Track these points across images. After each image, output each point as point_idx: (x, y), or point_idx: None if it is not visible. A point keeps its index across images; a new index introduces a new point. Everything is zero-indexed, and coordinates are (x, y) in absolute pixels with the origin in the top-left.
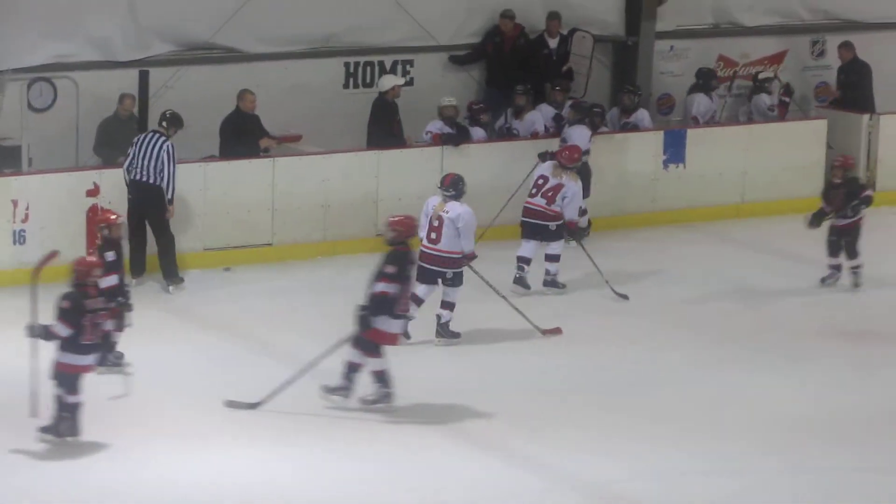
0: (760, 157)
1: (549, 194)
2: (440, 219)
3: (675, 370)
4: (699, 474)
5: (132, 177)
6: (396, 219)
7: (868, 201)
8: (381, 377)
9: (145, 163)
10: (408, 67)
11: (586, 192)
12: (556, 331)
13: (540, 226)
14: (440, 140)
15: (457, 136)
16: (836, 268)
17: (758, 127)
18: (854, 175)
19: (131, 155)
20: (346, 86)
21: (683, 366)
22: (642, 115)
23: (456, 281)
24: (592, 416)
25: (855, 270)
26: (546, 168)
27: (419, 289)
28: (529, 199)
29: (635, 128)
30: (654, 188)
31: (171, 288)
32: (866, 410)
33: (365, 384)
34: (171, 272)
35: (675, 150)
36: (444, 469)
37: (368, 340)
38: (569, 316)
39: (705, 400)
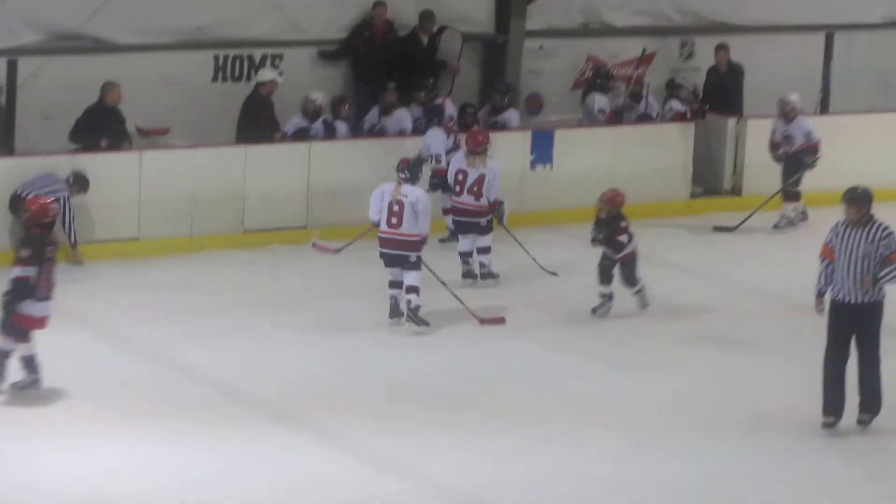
0: (627, 158)
1: (475, 189)
2: (399, 203)
3: (548, 369)
4: (566, 476)
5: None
6: None
7: (630, 236)
8: (29, 362)
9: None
10: (277, 62)
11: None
12: (499, 320)
13: (472, 223)
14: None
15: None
16: (608, 297)
17: (625, 129)
18: (617, 213)
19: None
20: (214, 79)
21: (555, 365)
22: (510, 115)
23: (418, 264)
24: (459, 415)
25: (638, 293)
26: (460, 161)
27: (393, 272)
28: (456, 199)
29: (503, 127)
30: (522, 189)
31: None
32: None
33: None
34: None
35: (542, 151)
36: (300, 468)
37: (16, 326)
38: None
39: (577, 399)
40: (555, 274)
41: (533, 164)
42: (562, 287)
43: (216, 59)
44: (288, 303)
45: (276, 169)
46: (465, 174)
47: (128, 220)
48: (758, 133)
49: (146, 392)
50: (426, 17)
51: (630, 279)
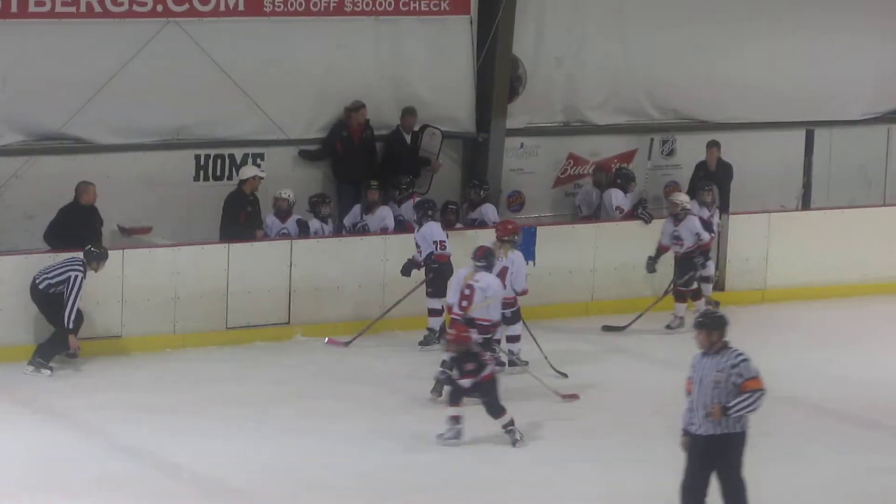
0: (609, 254)
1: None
2: (471, 287)
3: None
4: None
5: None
6: None
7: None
8: None
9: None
10: (258, 161)
11: (442, 290)
12: (573, 397)
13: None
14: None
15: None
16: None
17: (607, 225)
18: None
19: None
20: (196, 178)
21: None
22: (486, 210)
23: (514, 318)
24: None
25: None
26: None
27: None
28: None
29: (482, 223)
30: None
31: (29, 368)
32: None
33: None
34: (44, 353)
35: (524, 248)
36: None
37: None
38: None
39: None
40: (564, 375)
41: None
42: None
43: (197, 158)
44: (271, 399)
45: (258, 266)
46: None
47: (111, 318)
48: (740, 229)
49: (126, 488)
50: (408, 113)
51: (491, 409)
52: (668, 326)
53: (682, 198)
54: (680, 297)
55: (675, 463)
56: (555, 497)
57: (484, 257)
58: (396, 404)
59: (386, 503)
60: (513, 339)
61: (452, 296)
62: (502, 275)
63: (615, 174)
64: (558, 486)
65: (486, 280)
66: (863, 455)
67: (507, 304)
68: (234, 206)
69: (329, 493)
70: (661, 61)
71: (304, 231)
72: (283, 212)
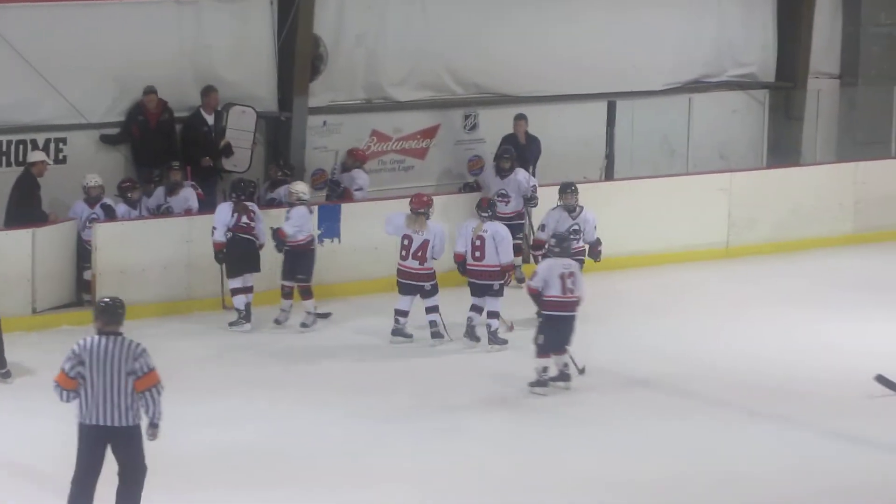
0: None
1: (419, 254)
2: (481, 238)
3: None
4: None
5: None
6: None
7: None
8: None
9: None
10: (60, 145)
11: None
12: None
13: (414, 286)
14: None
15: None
16: None
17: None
18: None
19: None
20: None
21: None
22: (282, 191)
23: (500, 291)
24: None
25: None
26: (401, 226)
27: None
28: (401, 262)
29: (279, 203)
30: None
31: None
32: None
33: None
34: None
35: (329, 225)
36: None
37: None
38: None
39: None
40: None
41: (321, 239)
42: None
43: None
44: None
45: (60, 250)
46: (410, 239)
47: None
48: (543, 201)
49: None
50: (208, 91)
51: None
52: None
53: (300, 187)
54: None
55: None
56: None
57: (489, 207)
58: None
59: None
60: (493, 314)
61: (462, 246)
62: (423, 248)
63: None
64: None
65: (494, 227)
66: (672, 423)
67: (428, 275)
68: (29, 188)
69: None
70: (461, 36)
71: (110, 215)
72: (93, 198)
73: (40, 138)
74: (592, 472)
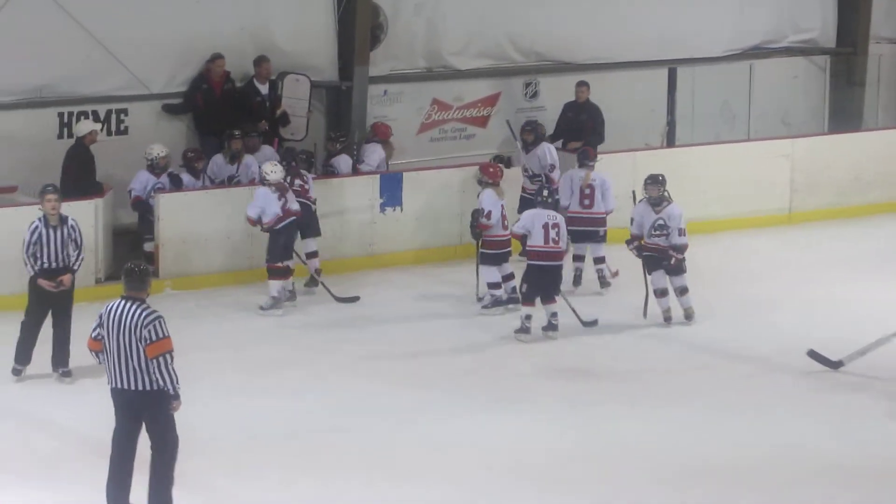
0: (476, 198)
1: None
2: (591, 187)
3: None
4: None
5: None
6: None
7: None
8: None
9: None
10: (122, 116)
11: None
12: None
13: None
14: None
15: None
16: None
17: (472, 170)
18: None
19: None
20: (60, 136)
21: (403, 408)
22: (340, 160)
23: (604, 237)
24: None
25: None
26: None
27: (577, 247)
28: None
29: (334, 172)
30: (373, 231)
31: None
32: (581, 450)
33: None
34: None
35: (391, 194)
36: None
37: None
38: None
39: (425, 443)
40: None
41: (383, 207)
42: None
43: (61, 115)
44: None
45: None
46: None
47: None
48: (607, 168)
49: None
50: (260, 61)
51: None
52: None
53: (266, 167)
54: None
55: None
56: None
57: (595, 158)
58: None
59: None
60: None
61: (566, 199)
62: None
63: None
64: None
65: (601, 177)
66: (742, 382)
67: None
68: (84, 160)
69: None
70: (521, 4)
71: (176, 184)
72: (160, 168)
73: (101, 109)
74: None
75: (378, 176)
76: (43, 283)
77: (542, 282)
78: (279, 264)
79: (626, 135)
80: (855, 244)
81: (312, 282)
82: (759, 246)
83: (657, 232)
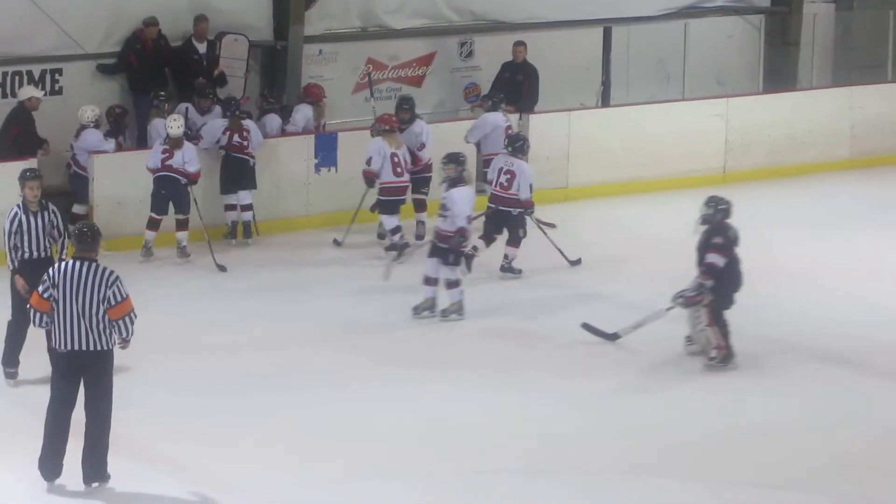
0: None
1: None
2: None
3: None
4: None
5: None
6: None
7: None
8: None
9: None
10: (56, 76)
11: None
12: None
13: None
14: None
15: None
16: None
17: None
18: None
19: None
20: None
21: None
22: (269, 120)
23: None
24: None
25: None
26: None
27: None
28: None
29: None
30: (307, 192)
31: None
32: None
33: None
34: None
35: (326, 154)
36: None
37: None
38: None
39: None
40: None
41: (317, 168)
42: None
43: None
44: None
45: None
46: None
47: None
48: (538, 128)
49: None
50: (198, 20)
51: None
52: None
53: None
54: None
55: None
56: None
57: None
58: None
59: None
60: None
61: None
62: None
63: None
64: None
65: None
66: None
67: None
68: (24, 123)
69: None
70: None
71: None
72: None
73: (36, 69)
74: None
75: (313, 136)
76: (19, 283)
77: (496, 225)
78: (151, 213)
79: (561, 95)
80: (789, 204)
81: (246, 233)
82: (693, 205)
83: (440, 211)
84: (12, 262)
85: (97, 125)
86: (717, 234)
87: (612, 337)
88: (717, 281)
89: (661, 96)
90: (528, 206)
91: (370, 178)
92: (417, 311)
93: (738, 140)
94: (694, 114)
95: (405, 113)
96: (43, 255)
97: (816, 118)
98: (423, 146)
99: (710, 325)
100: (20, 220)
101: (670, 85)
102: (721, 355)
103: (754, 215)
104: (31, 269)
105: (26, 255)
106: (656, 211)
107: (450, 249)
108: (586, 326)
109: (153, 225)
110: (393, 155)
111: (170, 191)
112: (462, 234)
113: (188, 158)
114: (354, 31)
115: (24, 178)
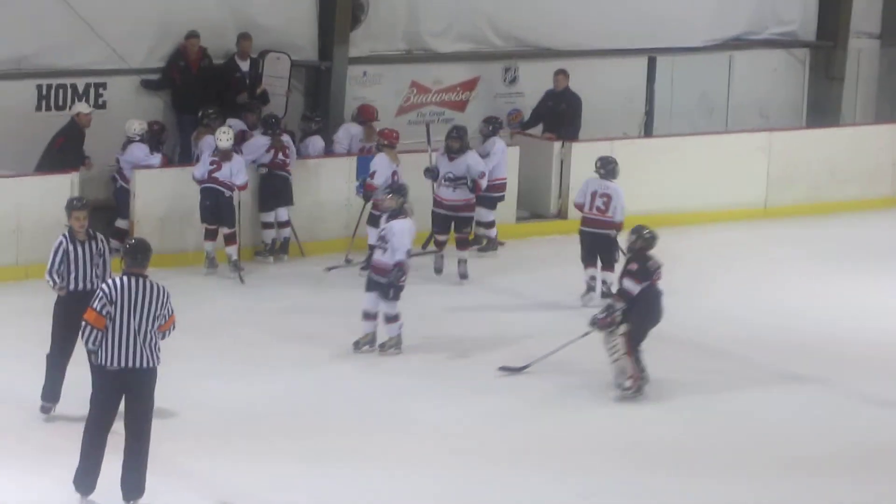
0: None
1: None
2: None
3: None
4: None
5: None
6: None
7: None
8: None
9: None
10: (101, 90)
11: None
12: None
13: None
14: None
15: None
16: None
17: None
18: None
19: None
20: (38, 108)
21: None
22: (312, 142)
23: None
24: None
25: None
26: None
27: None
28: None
29: (306, 154)
30: (348, 213)
31: None
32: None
33: None
34: None
35: (365, 174)
36: None
37: None
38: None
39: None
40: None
41: (359, 189)
42: None
43: (39, 88)
44: None
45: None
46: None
47: None
48: (583, 157)
49: None
50: (242, 38)
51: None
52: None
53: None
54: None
55: None
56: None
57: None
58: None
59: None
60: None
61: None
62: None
63: (487, 121)
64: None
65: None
66: (709, 377)
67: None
68: (74, 138)
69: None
70: None
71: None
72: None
73: (80, 83)
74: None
75: (355, 158)
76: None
77: (586, 248)
78: (204, 224)
79: (604, 123)
80: (829, 239)
81: (283, 248)
82: (733, 238)
83: (379, 243)
84: (59, 287)
85: (143, 139)
86: (636, 261)
87: (522, 369)
88: (636, 310)
89: (705, 128)
90: (620, 229)
91: (370, 191)
92: (358, 346)
93: (780, 174)
94: (737, 146)
95: (454, 142)
96: (89, 287)
97: (859, 154)
98: (484, 174)
99: (627, 354)
100: (66, 251)
101: (713, 117)
102: (635, 385)
103: (792, 250)
104: (76, 302)
105: (72, 287)
106: (696, 242)
107: (388, 284)
108: (502, 368)
109: (210, 235)
110: (394, 173)
111: (213, 202)
112: (400, 267)
113: (236, 170)
114: (399, 53)
115: (72, 207)
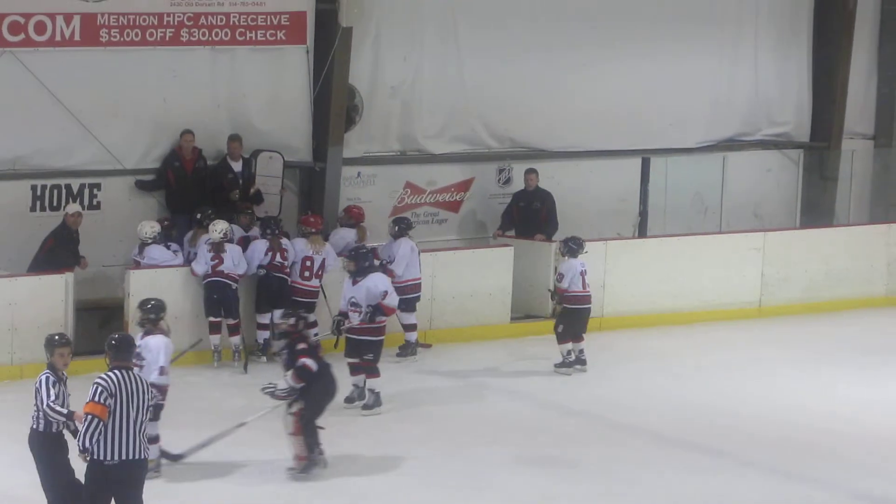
0: (447, 282)
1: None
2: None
3: None
4: None
5: None
6: None
7: None
8: None
9: None
10: (95, 191)
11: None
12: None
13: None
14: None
15: None
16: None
17: (444, 254)
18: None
19: None
20: (32, 209)
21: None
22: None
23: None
24: None
25: None
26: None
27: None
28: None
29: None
30: None
31: None
32: None
33: None
34: None
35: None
36: None
37: None
38: None
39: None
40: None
41: None
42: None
43: (34, 188)
44: None
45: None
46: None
47: None
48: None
49: None
50: (231, 140)
51: None
52: None
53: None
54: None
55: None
56: None
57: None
58: None
59: None
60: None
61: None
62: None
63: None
64: None
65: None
66: (704, 478)
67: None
68: (64, 238)
69: None
70: (496, 90)
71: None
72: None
73: (75, 184)
74: None
75: None
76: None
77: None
78: (209, 318)
79: (598, 224)
80: (823, 339)
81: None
82: (727, 338)
83: (136, 360)
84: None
85: (157, 240)
86: (301, 341)
87: (179, 458)
88: (314, 389)
89: (699, 228)
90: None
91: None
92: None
93: (775, 274)
94: (731, 247)
95: (350, 264)
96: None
97: (853, 254)
98: (386, 294)
99: (296, 433)
100: (60, 391)
101: (707, 217)
102: (301, 466)
103: (788, 351)
104: (60, 449)
105: (53, 430)
106: (691, 342)
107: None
108: (161, 453)
109: (214, 329)
110: (306, 258)
111: (220, 295)
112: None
113: (237, 260)
114: (393, 154)
115: (53, 344)
